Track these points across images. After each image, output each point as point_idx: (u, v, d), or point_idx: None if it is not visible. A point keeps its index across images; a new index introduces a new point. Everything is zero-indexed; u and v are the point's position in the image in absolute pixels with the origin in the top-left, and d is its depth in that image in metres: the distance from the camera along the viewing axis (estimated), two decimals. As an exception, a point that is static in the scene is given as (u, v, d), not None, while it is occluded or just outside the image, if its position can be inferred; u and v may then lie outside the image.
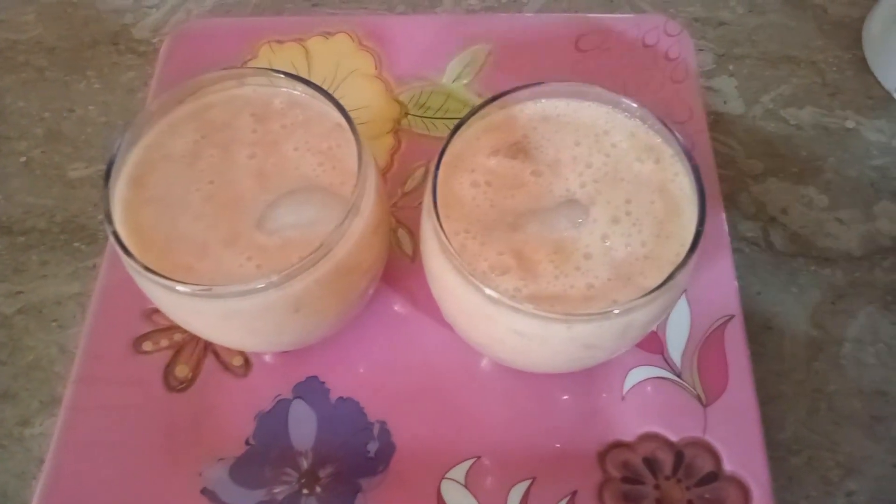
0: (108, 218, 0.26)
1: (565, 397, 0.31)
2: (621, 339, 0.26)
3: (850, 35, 0.44)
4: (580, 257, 0.25)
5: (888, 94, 0.42)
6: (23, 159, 0.42)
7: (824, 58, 0.44)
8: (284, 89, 0.30)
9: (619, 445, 0.30)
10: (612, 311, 0.24)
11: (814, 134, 0.41)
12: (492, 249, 0.26)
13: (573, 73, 0.39)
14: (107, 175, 0.26)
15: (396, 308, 0.34)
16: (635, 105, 0.27)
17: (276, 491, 0.29)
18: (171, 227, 0.27)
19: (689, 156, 0.26)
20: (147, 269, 0.24)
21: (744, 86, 0.43)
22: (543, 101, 0.28)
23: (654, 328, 0.31)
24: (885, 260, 0.37)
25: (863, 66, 0.43)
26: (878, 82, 0.43)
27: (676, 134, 0.27)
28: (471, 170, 0.27)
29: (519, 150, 0.27)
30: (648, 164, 0.26)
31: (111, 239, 0.25)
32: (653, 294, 0.23)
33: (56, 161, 0.42)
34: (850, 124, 0.41)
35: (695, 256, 0.24)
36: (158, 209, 0.27)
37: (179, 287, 0.24)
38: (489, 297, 0.24)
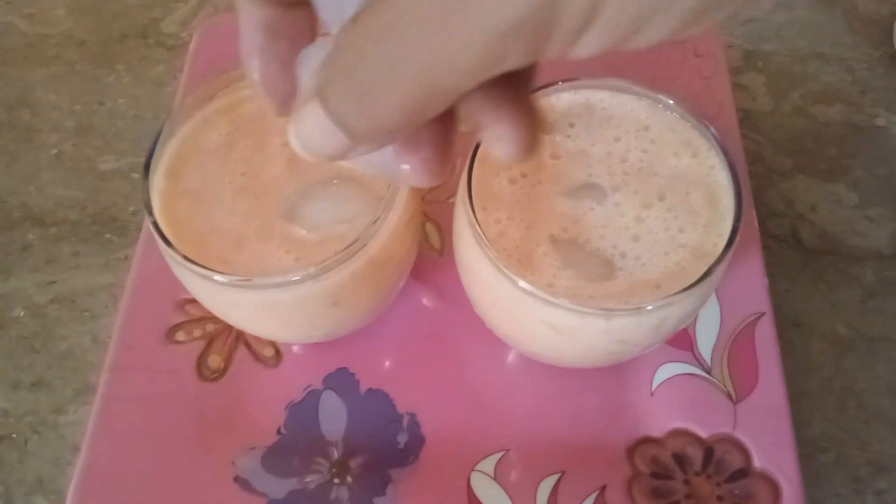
0: (148, 208, 0.26)
1: (594, 392, 0.31)
2: (655, 334, 0.26)
3: (880, 32, 0.44)
4: (615, 252, 0.25)
5: (919, 91, 0.42)
6: (54, 152, 0.42)
7: (854, 55, 0.43)
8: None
9: (648, 441, 0.30)
10: (646, 306, 0.24)
11: (843, 131, 0.41)
12: (527, 241, 0.26)
13: (601, 68, 0.39)
14: (146, 166, 0.27)
15: (425, 301, 0.34)
16: (671, 100, 0.27)
17: (307, 480, 0.30)
18: (207, 220, 0.27)
19: (726, 152, 0.26)
20: (187, 258, 0.25)
21: (772, 82, 0.42)
22: (581, 93, 0.28)
23: (686, 324, 0.31)
24: (916, 258, 0.37)
25: (893, 63, 0.43)
26: (909, 79, 0.42)
27: (712, 129, 0.27)
28: (505, 163, 0.27)
29: (551, 127, 0.27)
30: (685, 159, 0.26)
31: (151, 229, 0.26)
32: (689, 290, 0.23)
33: (87, 154, 0.42)
34: (880, 122, 0.41)
35: (731, 251, 0.24)
36: (194, 201, 0.27)
37: (218, 277, 0.25)
38: (523, 290, 0.24)
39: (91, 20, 0.47)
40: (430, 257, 0.35)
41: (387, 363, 0.32)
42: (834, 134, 0.41)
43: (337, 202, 0.27)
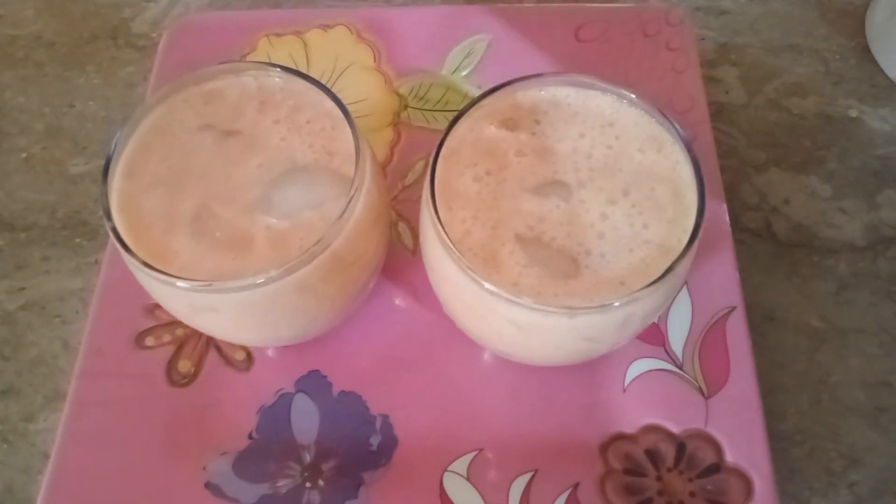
0: (108, 214, 0.26)
1: (567, 390, 0.31)
2: (622, 332, 0.25)
3: (853, 23, 0.44)
4: (580, 250, 0.25)
5: (892, 82, 0.42)
6: (23, 155, 0.42)
7: (828, 46, 0.43)
8: (283, 81, 0.30)
9: (620, 437, 0.30)
10: (612, 303, 0.24)
11: (817, 123, 0.41)
12: (492, 240, 0.25)
13: (573, 63, 0.39)
14: (105, 171, 0.26)
15: (397, 302, 0.34)
16: (634, 95, 0.27)
17: (279, 484, 0.29)
18: (169, 216, 0.26)
19: (690, 148, 0.26)
20: (146, 264, 0.24)
21: (746, 75, 0.42)
22: (547, 89, 0.28)
23: (654, 320, 0.31)
24: (889, 250, 0.37)
25: (866, 54, 0.43)
26: (882, 71, 0.42)
27: (675, 124, 0.26)
28: (470, 160, 0.27)
29: (516, 124, 0.27)
30: (650, 154, 0.26)
31: (111, 235, 0.25)
32: (653, 286, 0.23)
33: (57, 157, 0.42)
34: (853, 113, 0.41)
35: (694, 247, 0.24)
36: (156, 199, 0.27)
37: (179, 283, 0.24)
38: (488, 290, 0.24)
39: (60, 21, 0.46)
40: (402, 257, 0.35)
41: (360, 365, 0.32)
42: (808, 126, 0.41)
43: (306, 188, 0.27)
